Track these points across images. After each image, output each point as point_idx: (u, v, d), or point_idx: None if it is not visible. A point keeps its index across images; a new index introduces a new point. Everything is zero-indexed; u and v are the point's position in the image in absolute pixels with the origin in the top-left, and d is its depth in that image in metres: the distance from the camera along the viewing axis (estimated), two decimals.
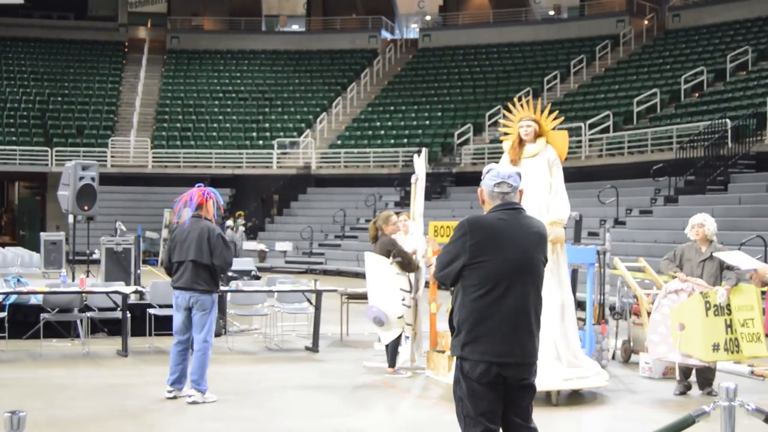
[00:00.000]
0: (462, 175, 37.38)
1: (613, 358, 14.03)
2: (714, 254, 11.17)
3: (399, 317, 12.52)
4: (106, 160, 40.96)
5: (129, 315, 14.20)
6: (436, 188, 36.45)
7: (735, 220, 23.38)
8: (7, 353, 13.90)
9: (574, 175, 30.09)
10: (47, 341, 14.57)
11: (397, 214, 13.63)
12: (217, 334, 15.72)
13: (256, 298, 16.35)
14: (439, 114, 44.39)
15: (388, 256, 12.56)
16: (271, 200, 41.91)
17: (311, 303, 15.47)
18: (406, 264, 12.62)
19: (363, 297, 14.89)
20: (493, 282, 5.72)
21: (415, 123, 44.05)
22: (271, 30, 57.59)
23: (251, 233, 38.71)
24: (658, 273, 13.26)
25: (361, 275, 14.65)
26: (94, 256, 20.74)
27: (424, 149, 14.86)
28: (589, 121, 34.92)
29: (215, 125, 46.24)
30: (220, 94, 49.14)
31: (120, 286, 15.00)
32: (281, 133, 44.95)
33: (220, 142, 44.44)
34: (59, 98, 46.79)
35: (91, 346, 14.30)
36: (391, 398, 11.46)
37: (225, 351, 14.76)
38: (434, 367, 12.47)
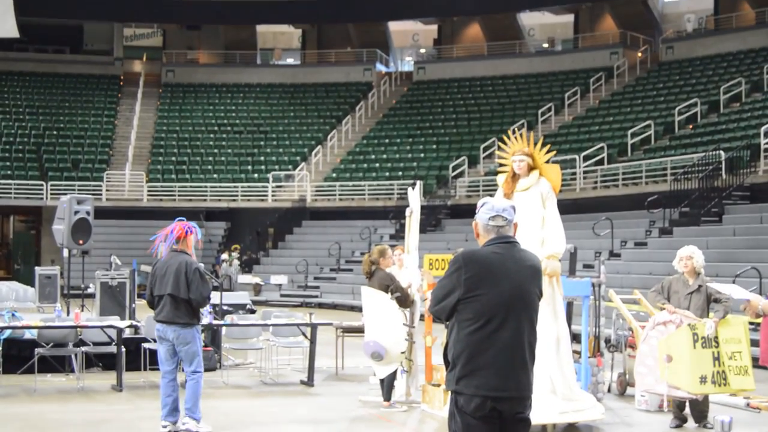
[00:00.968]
0: (457, 207, 37.41)
1: (609, 390, 14.01)
2: (708, 285, 11.17)
3: (402, 352, 12.52)
4: (101, 194, 40.96)
5: (124, 349, 14.18)
6: (431, 221, 36.48)
7: (730, 251, 23.40)
8: (1, 388, 13.85)
9: (568, 207, 30.10)
10: (42, 376, 14.51)
11: (392, 247, 13.63)
12: (212, 368, 15.76)
13: (251, 332, 16.31)
14: (434, 146, 44.48)
15: (386, 291, 12.53)
16: (267, 233, 41.91)
17: (306, 336, 15.45)
18: (404, 299, 12.61)
19: (359, 330, 14.88)
20: (488, 316, 5.72)
21: (409, 155, 44.13)
22: (266, 63, 57.78)
23: (246, 267, 38.69)
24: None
25: (356, 308, 14.64)
26: (89, 291, 20.70)
27: (418, 182, 14.88)
28: (583, 153, 34.99)
29: (210, 158, 46.29)
30: (216, 127, 49.22)
31: (115, 321, 14.97)
32: (276, 166, 44.99)
33: (215, 176, 44.48)
34: (55, 132, 46.83)
35: (85, 381, 14.25)
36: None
37: (220, 385, 14.71)
38: (430, 401, 12.45)
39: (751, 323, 15.95)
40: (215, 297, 17.43)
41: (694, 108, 36.29)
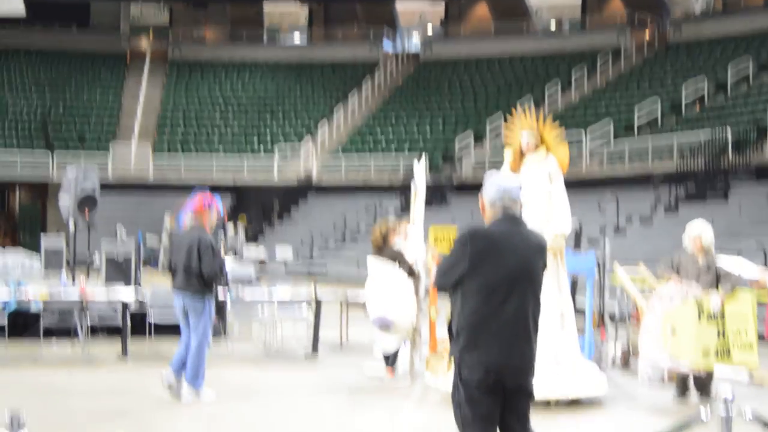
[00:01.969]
0: (462, 184, 37.40)
1: (613, 364, 14.03)
2: (717, 262, 11.13)
3: (412, 324, 12.54)
4: (107, 169, 41.02)
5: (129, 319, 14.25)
6: (437, 197, 36.46)
7: (735, 230, 23.39)
8: (7, 355, 13.91)
9: (574, 185, 30.06)
10: (47, 343, 14.57)
11: (395, 220, 13.60)
12: (216, 334, 15.83)
13: (256, 304, 16.35)
14: (440, 123, 44.44)
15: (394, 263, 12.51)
16: (272, 208, 41.96)
17: (311, 307, 15.48)
18: (410, 273, 12.59)
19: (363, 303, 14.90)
20: (492, 289, 5.77)
21: (416, 132, 44.10)
22: (273, 41, 57.69)
23: (252, 240, 38.66)
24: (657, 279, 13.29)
25: (361, 281, 14.61)
26: (94, 263, 20.75)
27: (424, 155, 14.83)
28: (589, 129, 34.86)
29: (216, 134, 46.30)
30: (222, 105, 49.24)
31: (120, 289, 14.96)
32: (282, 143, 44.98)
33: (221, 150, 44.49)
34: (61, 108, 46.88)
35: (90, 349, 14.30)
36: (390, 403, 11.45)
37: (225, 356, 14.76)
38: (433, 371, 12.46)
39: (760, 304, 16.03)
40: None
41: (701, 89, 36.18)
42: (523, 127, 11.29)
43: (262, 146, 44.86)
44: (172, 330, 15.65)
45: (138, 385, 11.82)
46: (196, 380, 10.93)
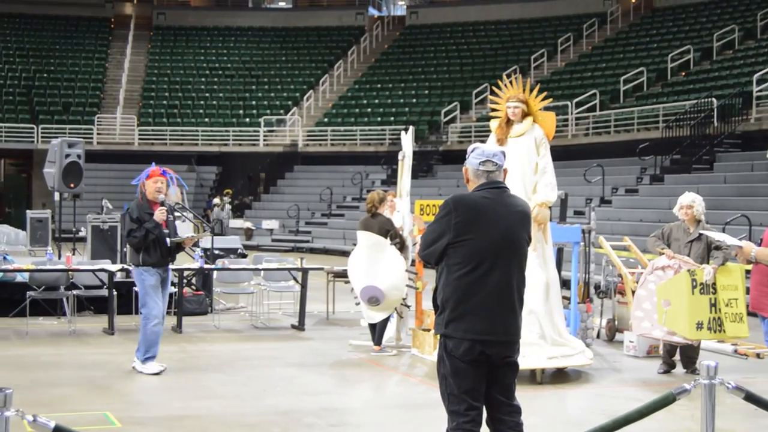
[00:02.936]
0: (448, 153, 37.39)
1: (598, 336, 14.11)
2: (702, 232, 11.17)
3: (403, 298, 12.55)
4: (92, 138, 40.91)
5: (115, 293, 14.25)
6: (422, 166, 36.48)
7: (720, 199, 23.43)
8: None
9: (560, 154, 29.96)
10: (33, 319, 14.57)
11: (384, 192, 13.60)
12: (203, 312, 15.86)
13: (242, 276, 16.39)
14: (426, 92, 44.37)
15: (385, 236, 12.50)
16: (258, 178, 41.95)
17: (297, 281, 15.52)
18: (401, 246, 12.60)
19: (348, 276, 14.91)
20: (477, 260, 5.75)
21: (402, 101, 44.03)
22: (258, 6, 57.42)
23: (238, 211, 38.73)
24: (644, 252, 13.34)
25: (347, 253, 14.65)
26: (81, 234, 20.68)
27: (411, 127, 14.78)
28: (575, 100, 34.92)
29: (202, 102, 46.14)
30: (207, 71, 49.02)
31: (106, 264, 14.99)
32: (268, 111, 44.88)
33: (206, 120, 44.37)
34: (45, 75, 46.62)
35: (77, 324, 14.31)
36: (376, 376, 11.52)
37: (211, 329, 14.80)
38: (420, 346, 12.53)
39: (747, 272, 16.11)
40: (206, 241, 17.50)
41: (687, 55, 36.18)
42: (509, 96, 11.27)
43: (248, 116, 44.70)
44: None
45: (125, 359, 11.80)
46: (141, 352, 11.11)
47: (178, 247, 11.56)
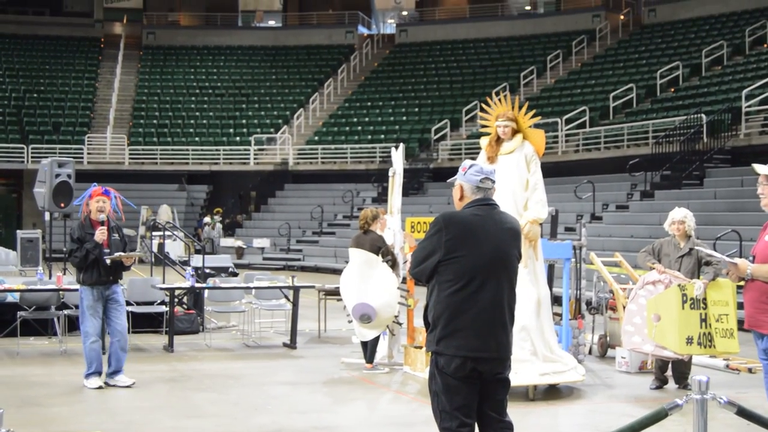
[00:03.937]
0: (439, 170, 37.40)
1: (590, 352, 14.10)
2: (697, 248, 11.16)
3: (396, 316, 12.52)
4: (82, 157, 40.84)
5: None
6: (413, 184, 36.51)
7: (711, 214, 23.48)
8: None
9: (550, 170, 29.96)
10: (24, 339, 14.53)
11: (377, 209, 13.59)
12: (195, 331, 15.83)
13: (233, 295, 16.35)
14: (416, 110, 44.42)
15: (377, 253, 12.49)
16: (249, 196, 41.92)
17: (289, 299, 15.50)
18: (393, 264, 12.57)
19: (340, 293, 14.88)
20: (468, 277, 5.77)
21: (392, 118, 44.08)
22: (248, 25, 57.48)
23: (229, 230, 38.71)
24: (635, 267, 13.34)
25: (338, 271, 14.63)
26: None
27: (401, 144, 14.78)
28: (565, 117, 35.01)
29: (192, 121, 46.14)
30: (197, 90, 49.03)
31: None
32: (258, 129, 44.89)
33: (197, 139, 44.35)
34: (35, 95, 46.59)
35: (68, 344, 14.27)
36: (369, 394, 11.50)
37: (202, 348, 14.76)
38: (412, 363, 12.51)
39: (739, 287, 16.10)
40: (197, 260, 17.49)
41: (675, 71, 36.30)
42: (499, 114, 11.28)
43: (238, 135, 44.68)
44: (149, 321, 15.70)
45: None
46: (86, 370, 11.34)
47: (121, 265, 11.57)
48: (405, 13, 59.15)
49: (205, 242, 31.20)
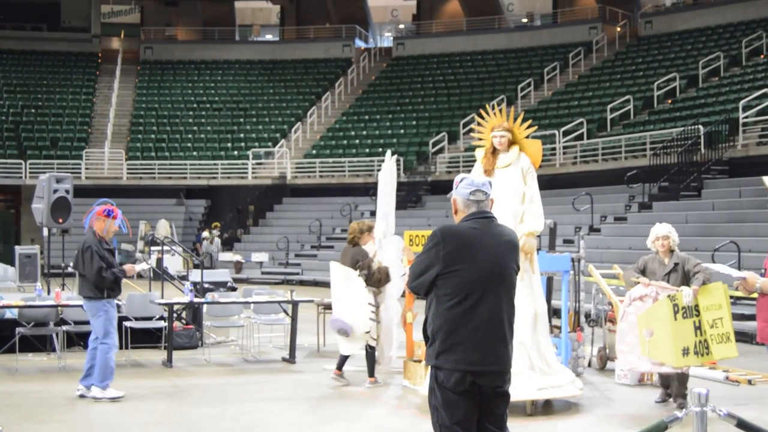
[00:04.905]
0: (437, 183, 37.40)
1: (589, 365, 14.08)
2: (685, 259, 11.09)
3: (366, 332, 12.48)
4: (80, 172, 40.84)
5: None
6: (411, 197, 36.52)
7: (709, 226, 23.51)
8: None
9: (548, 183, 30.25)
10: (23, 356, 14.51)
11: (367, 222, 13.52)
12: (194, 346, 15.80)
13: (232, 310, 16.35)
14: (414, 123, 44.45)
15: (354, 267, 12.50)
16: (247, 211, 41.91)
17: (288, 314, 15.49)
18: (370, 277, 12.52)
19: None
20: (467, 291, 5.76)
21: (389, 132, 44.11)
22: (245, 40, 57.61)
23: (227, 244, 38.69)
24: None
25: None
26: (70, 270, 20.62)
27: (389, 152, 14.65)
28: (563, 129, 35.04)
29: (190, 136, 46.17)
30: (195, 105, 49.06)
31: None
32: (256, 144, 44.93)
33: (194, 153, 44.35)
34: (32, 110, 46.61)
35: (67, 360, 14.24)
36: (368, 408, 11.48)
37: (201, 363, 14.73)
38: (411, 377, 12.46)
39: (740, 298, 16.04)
40: (196, 275, 17.47)
41: (673, 83, 36.37)
42: (494, 126, 11.17)
43: (236, 150, 44.70)
44: (148, 336, 15.68)
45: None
46: (103, 380, 11.49)
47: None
48: (402, 26, 59.39)
49: (203, 257, 31.22)
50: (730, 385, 12.60)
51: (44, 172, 22.04)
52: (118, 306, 15.54)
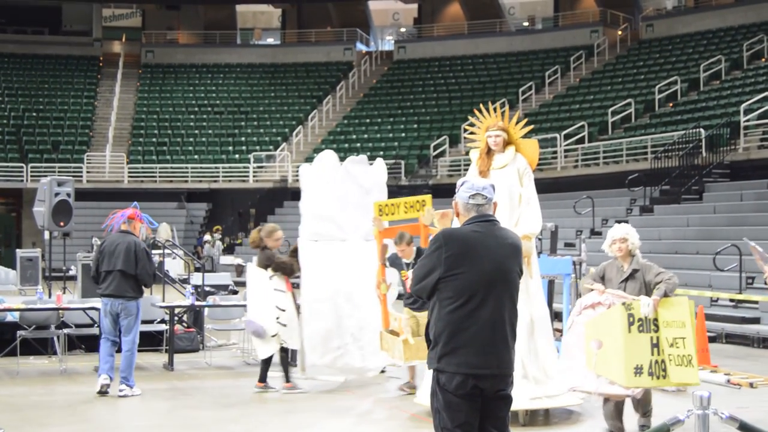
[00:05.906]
0: (438, 186, 37.34)
1: None
2: (647, 266, 9.77)
3: (273, 335, 12.32)
4: (81, 176, 40.84)
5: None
6: None
7: (710, 229, 23.49)
8: None
9: (549, 186, 30.24)
10: (24, 359, 14.49)
11: (272, 226, 13.36)
12: (195, 350, 15.79)
13: (233, 313, 16.33)
14: (415, 126, 44.47)
15: (265, 269, 12.50)
16: (248, 214, 41.90)
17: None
18: (287, 270, 12.53)
19: None
20: (469, 294, 5.76)
21: (391, 135, 44.13)
22: (246, 43, 57.62)
23: (229, 248, 38.69)
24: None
25: None
26: (71, 273, 20.65)
27: (379, 159, 14.51)
28: (564, 132, 35.04)
29: (191, 139, 46.18)
30: (196, 108, 49.07)
31: (97, 303, 14.92)
32: (257, 147, 44.93)
33: (196, 156, 44.36)
34: (34, 114, 46.63)
35: (68, 363, 14.24)
36: (370, 408, 11.47)
37: (203, 366, 14.71)
38: (389, 349, 11.57)
39: (740, 301, 15.96)
40: (197, 278, 17.48)
41: (674, 86, 36.38)
42: (489, 125, 10.79)
43: (237, 153, 44.71)
44: (149, 339, 15.66)
45: (115, 397, 11.75)
46: (131, 378, 11.83)
47: None
48: (403, 29, 59.35)
49: (204, 260, 31.20)
50: (732, 388, 12.58)
51: (45, 176, 22.07)
52: None
